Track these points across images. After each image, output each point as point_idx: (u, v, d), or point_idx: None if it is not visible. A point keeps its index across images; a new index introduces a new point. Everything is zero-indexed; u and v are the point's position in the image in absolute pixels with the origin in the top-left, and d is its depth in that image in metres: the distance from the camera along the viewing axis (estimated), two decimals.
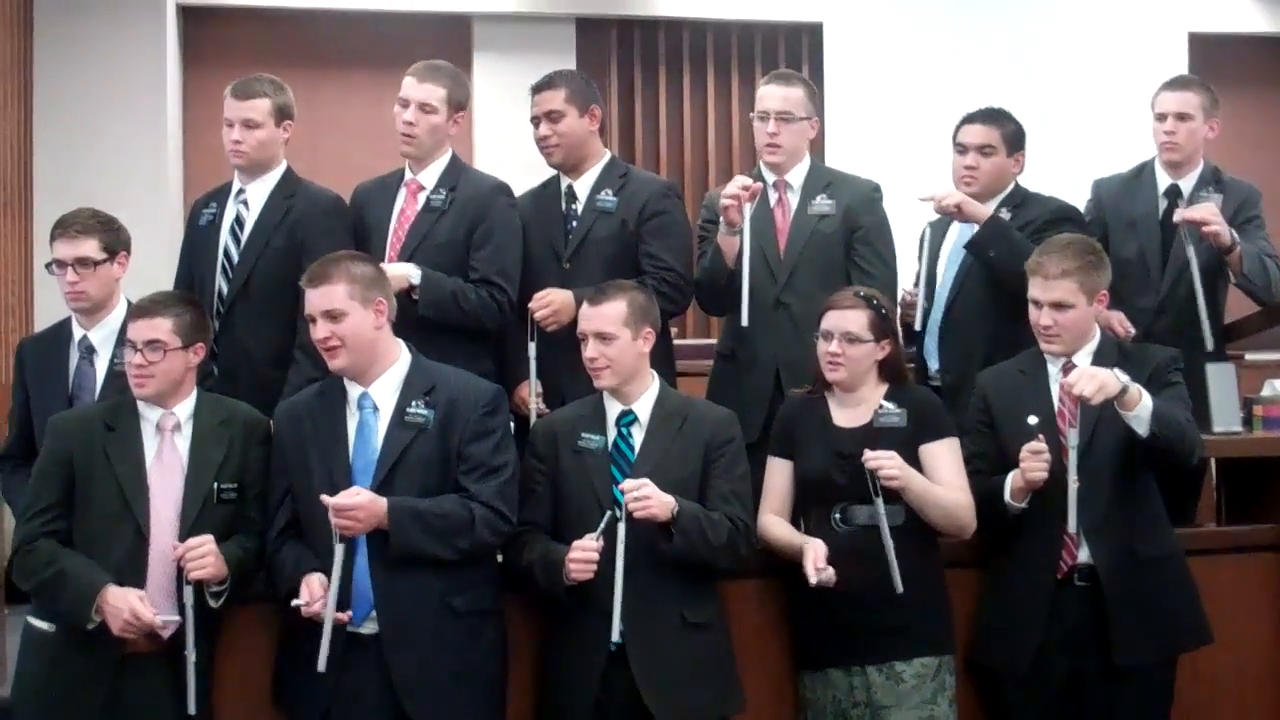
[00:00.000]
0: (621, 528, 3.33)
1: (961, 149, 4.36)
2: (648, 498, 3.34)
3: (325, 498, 3.24)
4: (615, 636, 3.33)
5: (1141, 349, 3.84)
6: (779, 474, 3.76)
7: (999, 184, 4.35)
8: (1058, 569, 3.66)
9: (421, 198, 4.17)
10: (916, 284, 4.34)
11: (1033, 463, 3.55)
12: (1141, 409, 3.50)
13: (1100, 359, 3.69)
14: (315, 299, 3.40)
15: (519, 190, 4.35)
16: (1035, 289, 3.71)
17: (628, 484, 3.36)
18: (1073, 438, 3.51)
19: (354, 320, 3.38)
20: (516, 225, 4.18)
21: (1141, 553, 3.66)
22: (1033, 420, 3.57)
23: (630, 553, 3.34)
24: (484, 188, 4.20)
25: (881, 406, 3.63)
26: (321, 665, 3.22)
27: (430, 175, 4.18)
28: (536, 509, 3.54)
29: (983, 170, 4.32)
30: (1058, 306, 3.67)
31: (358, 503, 3.24)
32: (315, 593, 3.26)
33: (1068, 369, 3.69)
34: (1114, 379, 3.47)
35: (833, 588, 3.49)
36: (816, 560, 3.47)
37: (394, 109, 4.18)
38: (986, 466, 3.73)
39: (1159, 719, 3.71)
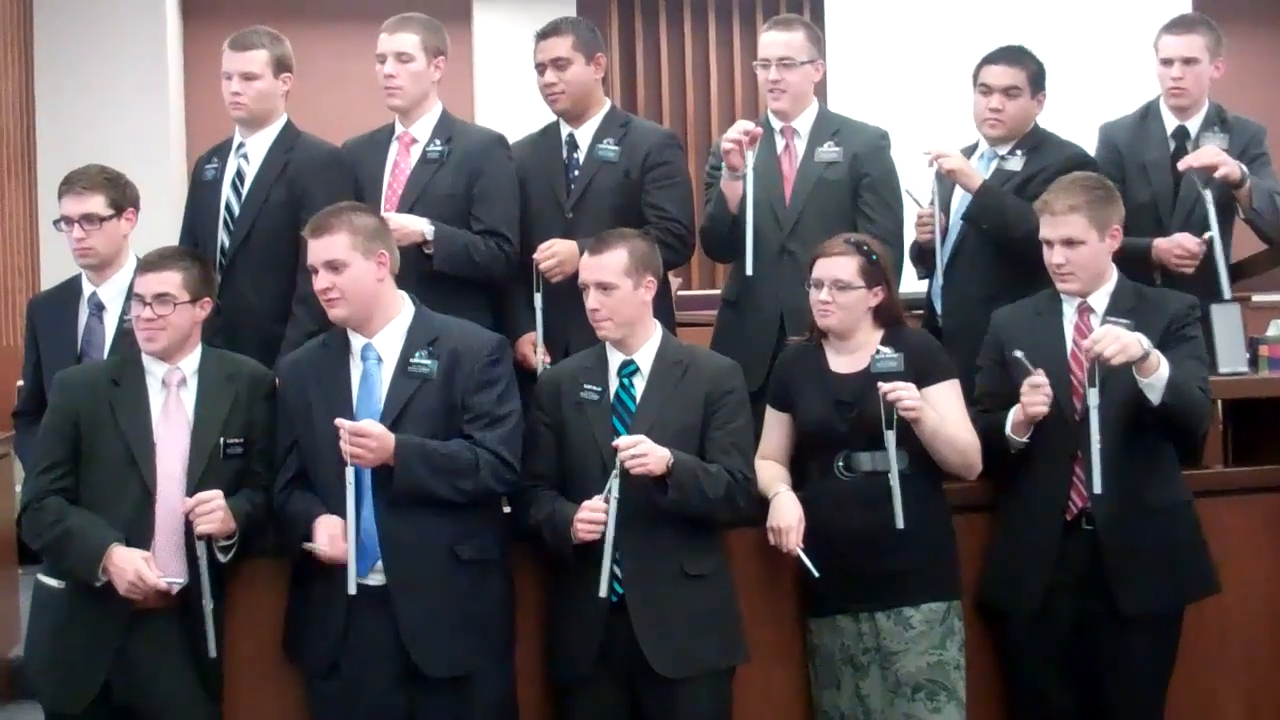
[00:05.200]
0: (615, 483, 3.31)
1: (986, 89, 4.30)
2: (644, 455, 3.31)
3: (339, 420, 3.26)
4: (603, 592, 3.32)
5: (1160, 294, 3.80)
6: (774, 425, 3.76)
7: (1023, 126, 4.32)
8: (1066, 511, 3.65)
9: (416, 150, 4.16)
10: (931, 203, 4.29)
11: (1032, 396, 3.54)
12: (1157, 378, 3.46)
13: (1117, 299, 3.69)
14: (317, 249, 3.40)
15: (518, 136, 4.34)
16: (1045, 228, 3.69)
17: (622, 441, 3.33)
18: (1092, 398, 3.47)
19: (355, 271, 3.38)
20: (515, 177, 4.18)
21: (1150, 501, 3.64)
22: (1018, 354, 3.56)
23: (626, 507, 3.33)
24: (482, 140, 4.20)
25: (878, 351, 3.60)
26: (351, 588, 3.26)
27: (422, 128, 4.18)
28: (542, 461, 3.54)
29: (1008, 113, 4.28)
30: (1068, 243, 3.64)
31: (371, 430, 3.26)
32: (334, 531, 3.28)
33: (1083, 310, 3.69)
34: (1137, 343, 3.43)
35: (840, 534, 3.53)
36: (788, 541, 3.52)
37: (375, 67, 4.17)
38: (996, 405, 3.72)
39: (1163, 666, 3.71)
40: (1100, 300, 3.69)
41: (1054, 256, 3.67)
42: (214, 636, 3.30)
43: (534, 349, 4.05)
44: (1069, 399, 3.60)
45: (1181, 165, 4.22)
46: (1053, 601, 3.66)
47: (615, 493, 3.31)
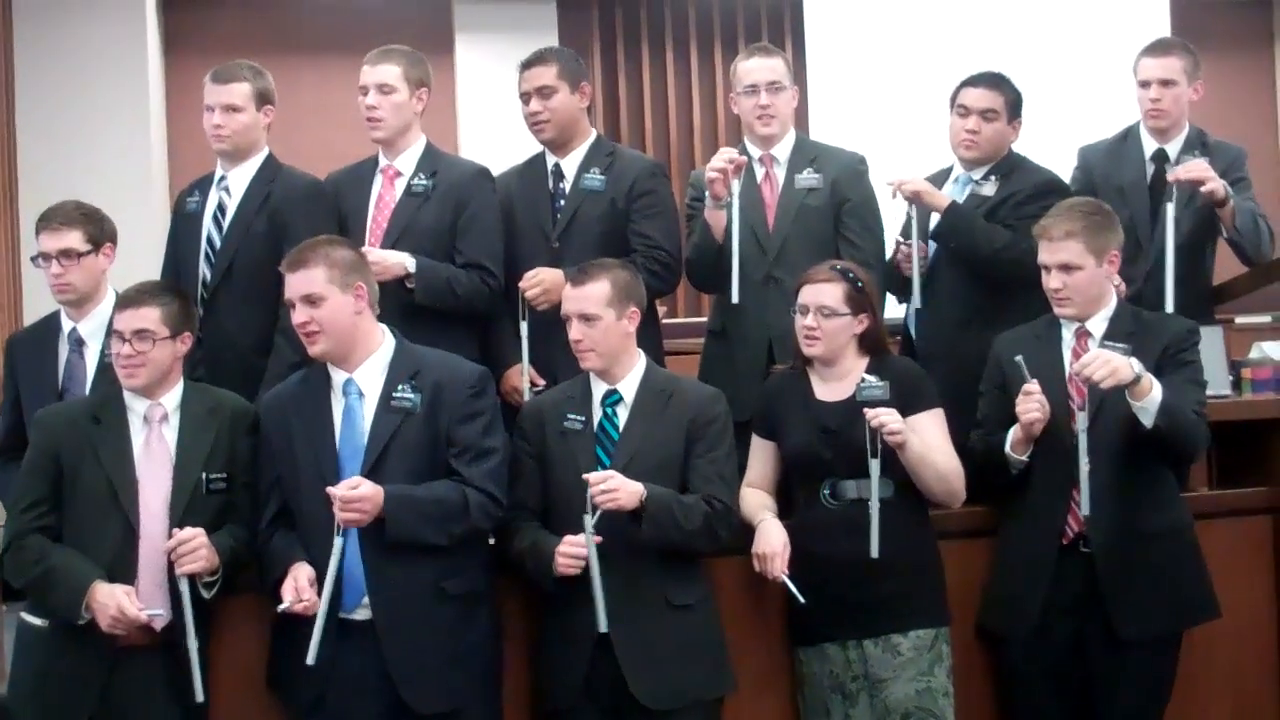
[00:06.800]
0: (589, 520, 3.27)
1: (964, 111, 4.32)
2: (615, 490, 3.29)
3: (331, 489, 3.22)
4: (602, 627, 3.29)
5: (1159, 319, 3.80)
6: (760, 453, 3.76)
7: (998, 150, 4.34)
8: (1063, 534, 3.65)
9: (400, 184, 4.16)
10: (906, 234, 4.29)
11: (1025, 404, 3.55)
12: (1150, 401, 3.46)
13: (1115, 324, 3.69)
14: (294, 284, 3.39)
15: (501, 169, 4.34)
16: (1043, 253, 3.70)
17: (593, 476, 3.30)
18: (1082, 421, 3.49)
19: (333, 305, 3.36)
20: (499, 210, 4.18)
21: (1146, 526, 3.64)
22: (1018, 359, 3.58)
23: (609, 539, 3.30)
24: (466, 173, 4.20)
25: (863, 380, 3.60)
26: (311, 658, 3.20)
27: (407, 161, 4.17)
28: (526, 491, 3.52)
29: (984, 135, 4.30)
30: (1065, 269, 3.65)
31: (362, 494, 3.22)
32: (303, 589, 3.25)
33: (1081, 335, 3.70)
34: (1128, 366, 3.43)
35: (826, 562, 3.53)
36: (772, 567, 3.52)
37: (358, 99, 4.17)
38: (998, 428, 3.72)
39: (1161, 690, 3.70)
40: (1098, 325, 3.70)
41: (1051, 281, 3.68)
42: (201, 679, 3.26)
43: (521, 380, 4.05)
44: (1067, 423, 3.59)
45: (1170, 177, 4.23)
46: (1049, 623, 3.66)
47: (591, 528, 3.28)
